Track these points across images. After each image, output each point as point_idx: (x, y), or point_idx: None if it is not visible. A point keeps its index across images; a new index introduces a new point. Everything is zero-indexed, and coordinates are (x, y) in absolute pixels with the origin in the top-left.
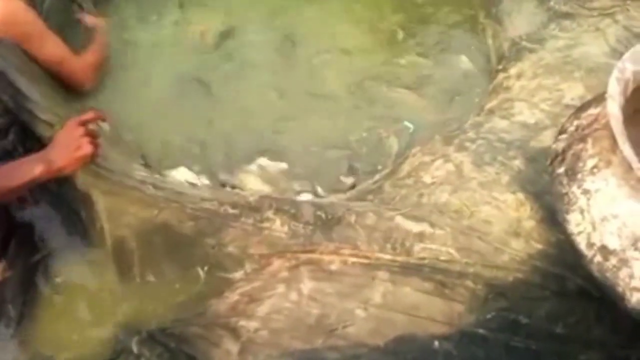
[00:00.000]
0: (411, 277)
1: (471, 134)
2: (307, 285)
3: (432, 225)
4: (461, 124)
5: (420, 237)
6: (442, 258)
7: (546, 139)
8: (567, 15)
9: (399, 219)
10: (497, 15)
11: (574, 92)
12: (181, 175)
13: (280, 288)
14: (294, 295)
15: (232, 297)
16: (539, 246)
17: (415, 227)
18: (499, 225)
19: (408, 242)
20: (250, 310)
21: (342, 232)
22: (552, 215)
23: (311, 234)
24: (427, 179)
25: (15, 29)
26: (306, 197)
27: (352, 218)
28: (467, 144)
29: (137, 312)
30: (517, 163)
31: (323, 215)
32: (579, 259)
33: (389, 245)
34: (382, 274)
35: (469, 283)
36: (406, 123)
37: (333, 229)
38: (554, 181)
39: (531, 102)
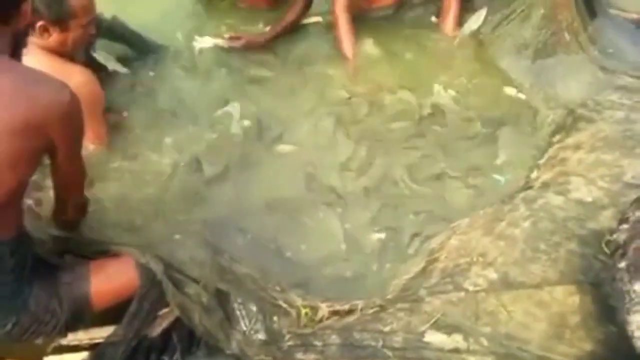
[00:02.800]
0: None
1: (523, 210)
2: None
3: (466, 337)
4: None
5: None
6: None
7: (604, 220)
8: (626, 87)
9: (429, 336)
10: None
11: (635, 169)
12: None
13: None
14: None
15: None
16: (588, 347)
17: (448, 342)
18: (539, 327)
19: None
20: None
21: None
22: (603, 309)
23: None
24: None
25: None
26: None
27: (380, 343)
28: (520, 221)
29: None
30: (571, 246)
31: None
32: None
33: None
34: None
35: None
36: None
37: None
38: (614, 276)
39: (588, 177)
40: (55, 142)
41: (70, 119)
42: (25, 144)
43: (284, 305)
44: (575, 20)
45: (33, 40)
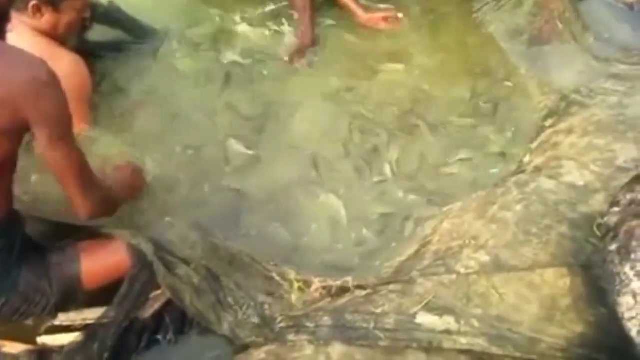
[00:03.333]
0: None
1: (515, 194)
2: (336, 350)
3: (458, 318)
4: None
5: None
6: (475, 349)
7: (596, 203)
8: (619, 75)
9: (420, 318)
10: (544, 67)
11: (627, 154)
12: None
13: (308, 350)
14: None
15: (259, 354)
16: (578, 329)
17: (439, 324)
18: (530, 309)
19: (435, 342)
20: None
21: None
22: (593, 291)
23: None
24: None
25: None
26: None
27: (371, 324)
28: (512, 204)
29: None
30: (562, 229)
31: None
32: (627, 345)
33: (415, 344)
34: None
35: None
36: None
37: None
38: (605, 258)
39: (581, 161)
40: (32, 122)
41: (46, 98)
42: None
43: (277, 278)
44: (567, 10)
45: (24, 20)
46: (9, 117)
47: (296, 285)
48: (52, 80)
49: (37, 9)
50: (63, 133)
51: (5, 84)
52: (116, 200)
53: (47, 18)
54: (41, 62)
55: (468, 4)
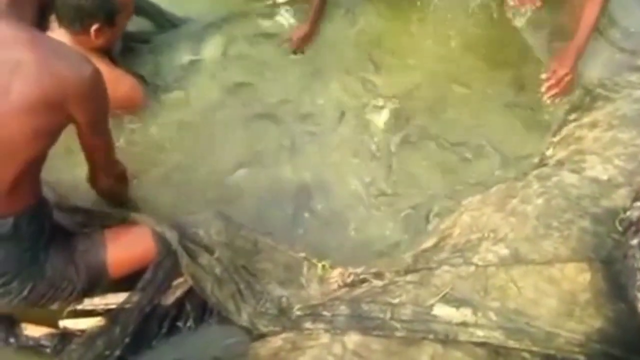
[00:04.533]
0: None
1: (536, 187)
2: (352, 339)
3: (475, 311)
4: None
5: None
6: (492, 342)
7: (619, 198)
8: None
9: (437, 309)
10: None
11: None
12: None
13: (324, 339)
14: (337, 348)
15: (275, 341)
16: (597, 324)
17: (456, 316)
18: (548, 304)
19: (451, 334)
20: (292, 358)
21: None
22: (613, 287)
23: None
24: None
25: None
26: None
27: (388, 315)
28: (533, 198)
29: None
30: (583, 224)
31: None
32: None
33: (431, 336)
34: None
35: (526, 355)
36: None
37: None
38: (626, 253)
39: (604, 156)
40: (76, 118)
41: (90, 95)
42: (45, 119)
43: (299, 264)
44: None
45: (81, 40)
46: (56, 112)
47: (320, 264)
48: (97, 78)
49: (99, 31)
50: (103, 126)
51: (51, 83)
52: (127, 175)
53: (105, 36)
54: (84, 60)
55: None
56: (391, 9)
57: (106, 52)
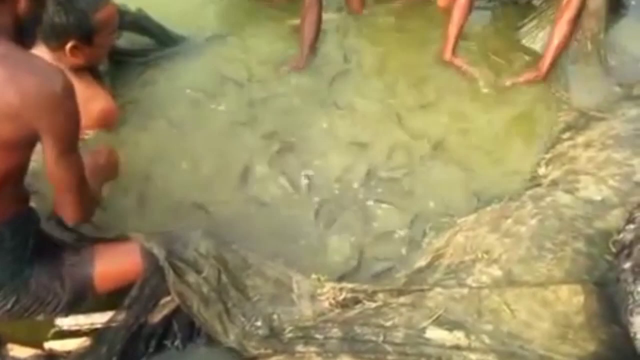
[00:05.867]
0: None
1: (530, 207)
2: None
3: (468, 334)
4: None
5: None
6: None
7: (613, 219)
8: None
9: (430, 332)
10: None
11: None
12: None
13: None
14: None
15: None
16: (591, 348)
17: (449, 339)
18: (542, 326)
19: (444, 357)
20: None
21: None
22: (607, 309)
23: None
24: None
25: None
26: None
27: (380, 338)
28: (527, 218)
29: None
30: (577, 245)
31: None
32: None
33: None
34: None
35: None
36: None
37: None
38: (619, 276)
39: (598, 176)
40: (42, 134)
41: (56, 111)
42: (9, 133)
43: (289, 280)
44: (601, 32)
45: (59, 57)
46: (20, 126)
47: (315, 276)
48: (68, 94)
49: (75, 49)
50: (70, 147)
51: (18, 94)
52: (98, 201)
53: (84, 54)
54: (57, 74)
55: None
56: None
57: (89, 69)
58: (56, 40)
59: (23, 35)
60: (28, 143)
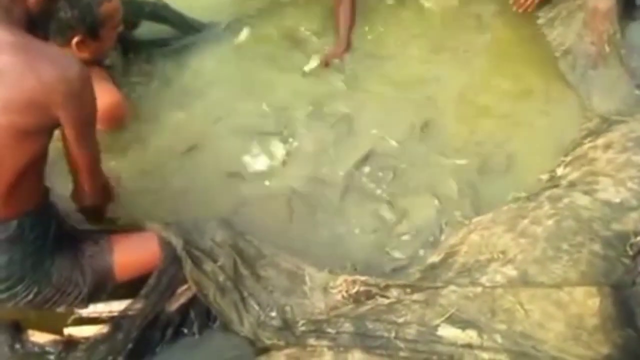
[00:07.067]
0: None
1: (547, 208)
2: (355, 357)
3: (481, 333)
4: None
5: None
6: None
7: (631, 222)
8: None
9: (442, 330)
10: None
11: None
12: None
13: (328, 356)
14: None
15: (279, 357)
16: (604, 350)
17: (461, 337)
18: (556, 328)
19: (456, 355)
20: None
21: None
22: (623, 312)
23: None
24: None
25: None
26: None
27: (392, 334)
28: (543, 219)
29: None
30: (594, 247)
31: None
32: None
33: (435, 357)
34: None
35: None
36: None
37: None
38: (635, 280)
39: (617, 178)
40: (61, 120)
41: (76, 99)
42: (31, 122)
43: (302, 272)
44: (617, 32)
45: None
46: (41, 115)
47: (327, 270)
48: (85, 81)
49: (81, 43)
50: (89, 132)
51: (39, 83)
52: (112, 187)
53: (89, 49)
54: (74, 62)
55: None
56: None
57: (96, 63)
58: (62, 36)
59: (36, 31)
60: (48, 131)
